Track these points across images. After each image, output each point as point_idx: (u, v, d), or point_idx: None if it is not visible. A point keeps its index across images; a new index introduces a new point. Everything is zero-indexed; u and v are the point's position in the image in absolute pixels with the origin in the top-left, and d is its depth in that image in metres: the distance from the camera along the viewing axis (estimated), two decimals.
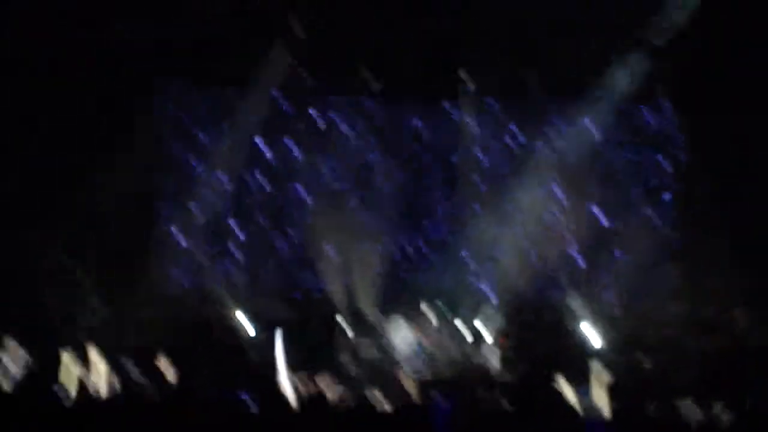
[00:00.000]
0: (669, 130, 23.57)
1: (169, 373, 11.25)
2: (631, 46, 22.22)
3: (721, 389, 17.43)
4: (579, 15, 20.53)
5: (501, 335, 22.17)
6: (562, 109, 23.73)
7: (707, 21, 20.37)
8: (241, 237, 23.64)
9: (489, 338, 22.03)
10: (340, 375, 16.84)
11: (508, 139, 24.04)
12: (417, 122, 24.05)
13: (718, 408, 11.41)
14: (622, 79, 22.50)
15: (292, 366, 13.25)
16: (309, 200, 23.73)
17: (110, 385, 10.15)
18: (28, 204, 20.43)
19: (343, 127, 23.91)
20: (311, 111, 23.94)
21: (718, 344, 21.06)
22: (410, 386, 9.66)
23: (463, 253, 23.73)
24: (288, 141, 23.95)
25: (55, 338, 18.56)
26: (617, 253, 23.58)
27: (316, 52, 22.23)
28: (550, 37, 21.31)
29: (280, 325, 21.74)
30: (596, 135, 23.57)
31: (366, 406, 9.85)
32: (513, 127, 24.04)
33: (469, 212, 23.86)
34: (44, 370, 10.11)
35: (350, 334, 21.74)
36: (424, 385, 10.06)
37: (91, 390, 9.68)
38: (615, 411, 9.84)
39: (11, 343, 11.61)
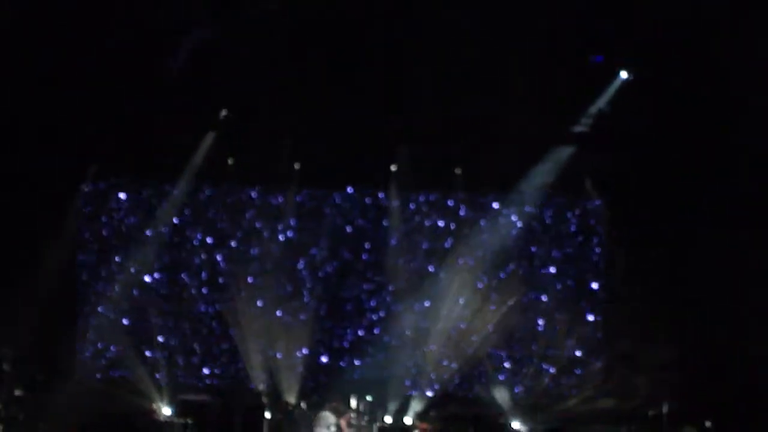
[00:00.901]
0: (595, 223, 23.76)
1: None
2: (558, 140, 22.49)
3: None
4: (505, 111, 20.70)
5: (421, 422, 22.12)
6: (491, 202, 23.88)
7: (632, 113, 20.69)
8: (164, 327, 23.41)
9: (410, 425, 22.00)
10: None
11: (432, 234, 24.09)
12: (346, 214, 24.07)
13: None
14: (548, 172, 22.71)
15: None
16: (234, 290, 23.54)
17: None
18: None
19: (272, 217, 23.90)
20: (239, 202, 23.96)
21: None
22: None
23: (388, 341, 23.69)
24: (214, 232, 23.89)
25: None
26: (544, 346, 23.62)
27: (246, 143, 22.33)
28: (477, 132, 21.49)
29: (203, 415, 21.69)
30: (523, 228, 23.71)
31: None
32: (442, 220, 24.11)
33: (397, 304, 23.84)
34: None
35: (274, 424, 21.57)
36: None
37: None
38: None
39: None
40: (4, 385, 20.86)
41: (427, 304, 23.61)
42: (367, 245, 24.07)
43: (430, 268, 23.82)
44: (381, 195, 24.10)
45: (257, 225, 23.88)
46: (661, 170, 21.31)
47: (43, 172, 21.32)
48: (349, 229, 24.06)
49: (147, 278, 23.48)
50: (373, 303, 24.04)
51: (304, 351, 23.44)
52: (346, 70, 20.38)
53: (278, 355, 23.22)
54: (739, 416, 20.25)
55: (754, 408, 20.06)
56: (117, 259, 23.54)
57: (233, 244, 23.81)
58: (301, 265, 23.90)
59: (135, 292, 23.34)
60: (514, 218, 23.61)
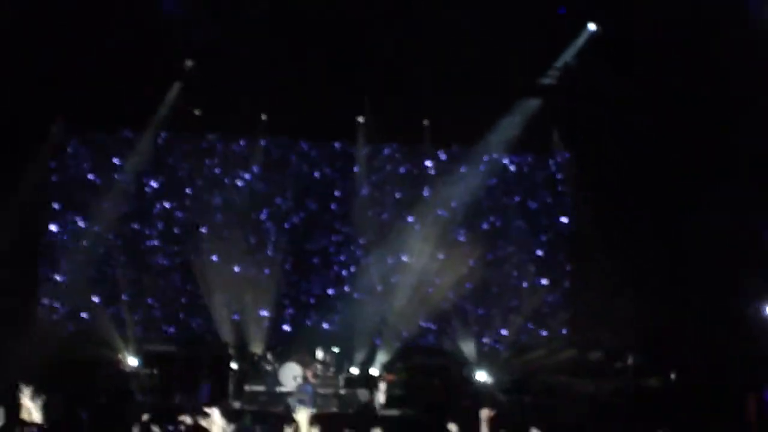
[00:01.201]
0: (563, 176, 23.82)
1: (53, 412, 11.04)
2: (524, 93, 22.47)
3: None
4: (473, 64, 20.64)
5: (387, 373, 22.19)
6: (456, 156, 23.87)
7: (598, 66, 20.68)
8: (130, 277, 23.33)
9: (376, 376, 22.10)
10: (229, 413, 16.60)
11: (401, 185, 24.08)
12: (312, 164, 24.01)
13: None
14: (513, 125, 22.69)
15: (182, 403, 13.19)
16: (202, 243, 23.44)
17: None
18: None
19: (238, 168, 23.82)
20: (203, 151, 23.85)
21: (607, 388, 21.26)
22: (302, 421, 9.53)
23: (356, 296, 23.70)
24: (180, 183, 23.75)
25: None
26: (508, 299, 23.73)
27: (213, 94, 22.17)
28: (443, 86, 21.41)
29: (169, 366, 21.63)
30: (488, 180, 23.76)
31: None
32: (407, 173, 24.10)
33: (363, 256, 23.85)
34: None
35: (240, 375, 21.59)
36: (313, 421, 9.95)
37: None
38: None
39: None
40: None
41: (395, 256, 23.62)
42: (335, 195, 24.04)
43: (399, 220, 23.80)
44: (347, 148, 24.10)
45: (220, 174, 23.80)
46: (630, 123, 21.29)
47: (6, 121, 21.09)
48: (316, 177, 24.02)
49: (110, 229, 23.29)
50: (340, 256, 24.05)
51: (270, 303, 23.38)
52: (314, 21, 20.26)
53: (244, 307, 23.18)
54: (703, 368, 20.37)
55: (719, 359, 20.18)
56: (81, 210, 23.39)
57: (197, 194, 23.71)
58: (265, 215, 23.85)
59: (97, 243, 23.18)
60: (482, 170, 23.59)
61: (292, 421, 11.52)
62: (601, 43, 20.61)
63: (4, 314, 21.22)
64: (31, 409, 10.04)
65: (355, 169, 23.96)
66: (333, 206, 24.03)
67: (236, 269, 23.37)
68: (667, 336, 21.14)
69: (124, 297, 23.06)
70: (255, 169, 23.82)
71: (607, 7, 20.02)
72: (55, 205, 23.54)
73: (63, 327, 22.75)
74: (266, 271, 23.53)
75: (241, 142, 23.85)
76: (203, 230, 23.45)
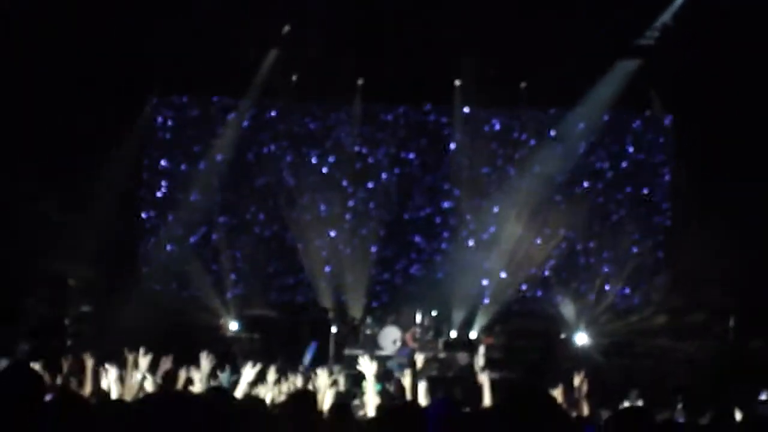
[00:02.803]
0: (661, 138, 23.58)
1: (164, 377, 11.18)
2: (622, 53, 22.21)
3: (711, 394, 17.49)
4: (570, 25, 20.44)
5: (487, 336, 22.19)
6: (552, 118, 23.73)
7: (698, 25, 20.33)
8: (230, 244, 23.58)
9: (475, 339, 22.13)
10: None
11: (497, 148, 23.98)
12: (407, 129, 24.00)
13: (707, 414, 11.39)
14: (612, 86, 22.44)
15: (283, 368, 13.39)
16: (300, 209, 23.58)
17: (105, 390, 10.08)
18: (12, 213, 20.27)
19: (333, 135, 23.91)
20: (300, 120, 23.92)
21: (707, 351, 21.08)
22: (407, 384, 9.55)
23: (454, 261, 23.69)
24: (276, 151, 23.89)
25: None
26: (608, 260, 23.58)
27: (308, 60, 22.20)
28: (540, 48, 21.23)
29: (269, 330, 21.85)
30: (587, 142, 23.57)
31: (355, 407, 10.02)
32: (504, 136, 24.01)
33: (459, 219, 23.84)
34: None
35: (341, 339, 21.73)
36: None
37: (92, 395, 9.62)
38: (605, 418, 9.76)
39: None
40: (71, 302, 21.17)
41: (494, 219, 23.56)
42: (433, 160, 24.07)
43: (498, 183, 23.78)
44: (441, 113, 24.07)
45: (317, 140, 23.93)
46: (732, 83, 20.88)
47: (107, 88, 21.30)
48: (414, 144, 24.02)
49: (208, 198, 23.58)
50: (439, 219, 24.08)
51: (370, 267, 23.52)
52: None
53: (343, 271, 23.31)
54: None
55: None
56: (179, 179, 23.70)
57: (293, 161, 23.83)
58: (368, 184, 23.95)
59: (196, 210, 23.45)
60: (580, 132, 23.40)
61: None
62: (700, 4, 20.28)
63: (108, 282, 21.57)
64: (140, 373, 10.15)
65: (451, 132, 23.90)
66: (431, 171, 24.04)
67: (333, 234, 23.50)
68: None
69: (224, 263, 23.30)
70: (354, 133, 23.87)
71: None
72: (154, 172, 23.86)
73: (165, 293, 23.01)
74: (365, 232, 23.64)
75: (335, 112, 23.88)
76: (301, 197, 23.55)
